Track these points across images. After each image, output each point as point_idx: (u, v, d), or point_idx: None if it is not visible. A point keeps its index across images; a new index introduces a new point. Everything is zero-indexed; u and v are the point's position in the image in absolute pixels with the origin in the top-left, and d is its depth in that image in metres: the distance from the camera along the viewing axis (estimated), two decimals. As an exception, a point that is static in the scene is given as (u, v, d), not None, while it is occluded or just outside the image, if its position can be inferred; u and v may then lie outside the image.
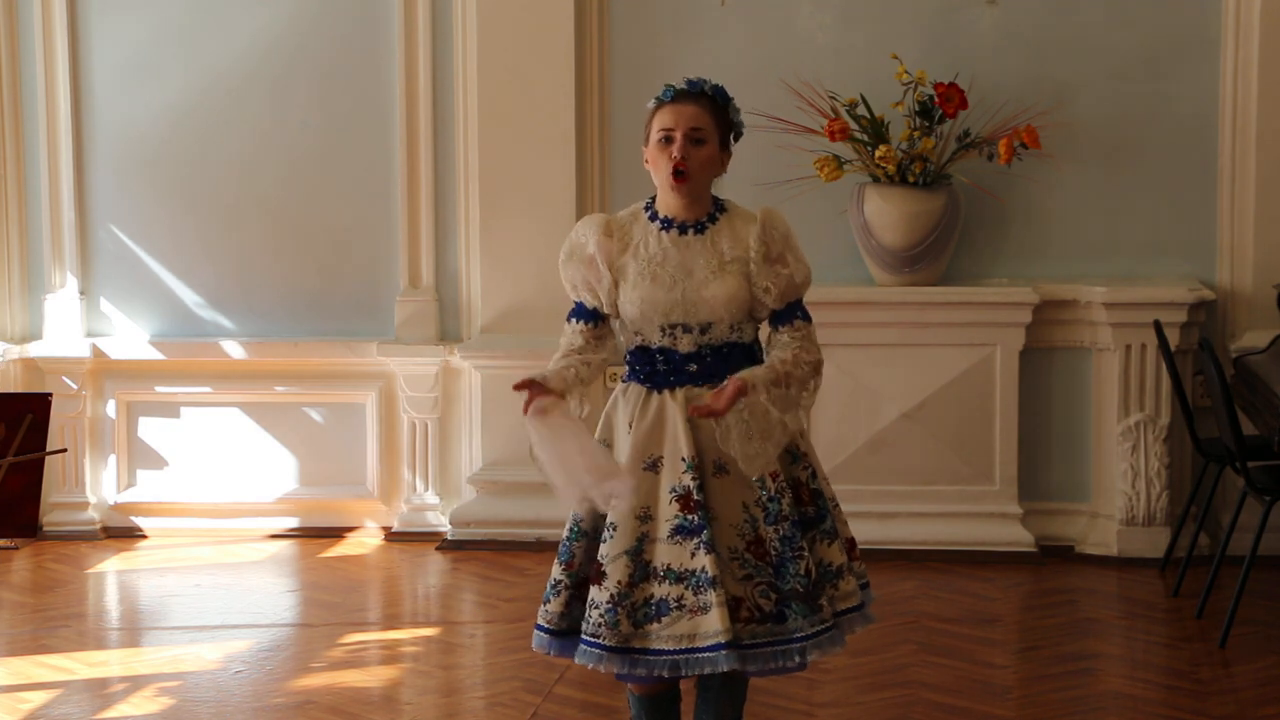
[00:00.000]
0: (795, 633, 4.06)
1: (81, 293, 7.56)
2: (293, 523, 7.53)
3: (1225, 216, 6.99)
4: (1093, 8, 7.05)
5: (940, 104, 6.83)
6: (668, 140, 4.12)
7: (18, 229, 7.56)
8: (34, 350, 7.50)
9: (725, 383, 4.01)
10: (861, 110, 6.92)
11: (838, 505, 4.29)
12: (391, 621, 6.46)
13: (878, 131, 6.89)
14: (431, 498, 7.41)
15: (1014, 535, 6.95)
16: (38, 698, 5.44)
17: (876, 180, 6.91)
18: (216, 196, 7.50)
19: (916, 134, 6.85)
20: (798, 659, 4.07)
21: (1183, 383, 6.58)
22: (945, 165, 6.92)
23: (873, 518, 6.97)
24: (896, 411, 6.97)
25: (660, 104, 4.16)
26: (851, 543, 4.30)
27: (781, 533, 4.08)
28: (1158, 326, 6.51)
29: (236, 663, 5.80)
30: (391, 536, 7.41)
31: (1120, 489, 6.92)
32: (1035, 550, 6.94)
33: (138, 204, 7.54)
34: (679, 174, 4.09)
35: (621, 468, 4.07)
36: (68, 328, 7.53)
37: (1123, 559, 6.89)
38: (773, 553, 4.08)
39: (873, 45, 7.07)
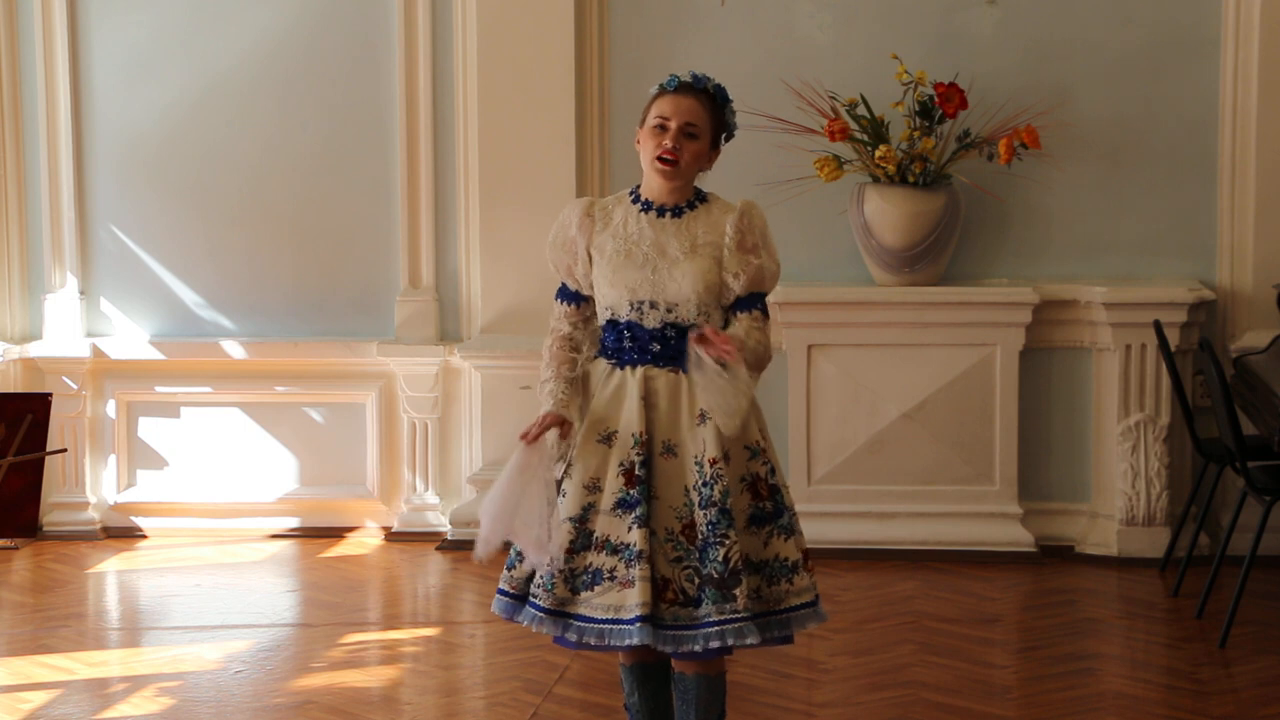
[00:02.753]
0: (704, 619, 4.12)
1: (81, 293, 7.56)
2: (293, 523, 7.53)
3: (1225, 216, 6.99)
4: (1093, 8, 7.05)
5: (940, 104, 6.83)
6: (662, 128, 4.23)
7: (18, 229, 7.56)
8: (34, 350, 7.50)
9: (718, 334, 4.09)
10: (861, 110, 6.92)
11: (794, 515, 4.30)
12: (391, 621, 6.46)
13: (878, 131, 6.89)
14: (431, 498, 7.42)
15: (1014, 535, 6.95)
16: (38, 698, 5.44)
17: (876, 180, 6.91)
18: (216, 196, 7.50)
19: (916, 134, 6.85)
20: (702, 644, 4.11)
21: (1183, 383, 6.58)
22: (945, 165, 6.92)
23: (873, 518, 6.98)
24: (896, 411, 6.97)
25: (663, 91, 4.27)
26: (806, 554, 4.29)
27: (709, 518, 4.14)
28: (1158, 326, 6.51)
29: (236, 663, 5.80)
30: (391, 536, 7.41)
31: (1120, 489, 6.92)
32: (1035, 550, 6.94)
33: (138, 204, 7.54)
34: (666, 161, 4.20)
35: (547, 541, 4.17)
36: (68, 328, 7.53)
37: (1123, 559, 6.89)
38: (699, 537, 4.15)
39: (873, 45, 7.07)
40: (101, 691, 5.56)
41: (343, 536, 7.45)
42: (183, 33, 7.45)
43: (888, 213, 6.87)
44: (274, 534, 7.50)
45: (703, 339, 4.08)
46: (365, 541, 7.40)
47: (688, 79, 4.26)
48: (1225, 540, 6.16)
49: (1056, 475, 7.10)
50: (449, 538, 7.27)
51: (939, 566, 6.84)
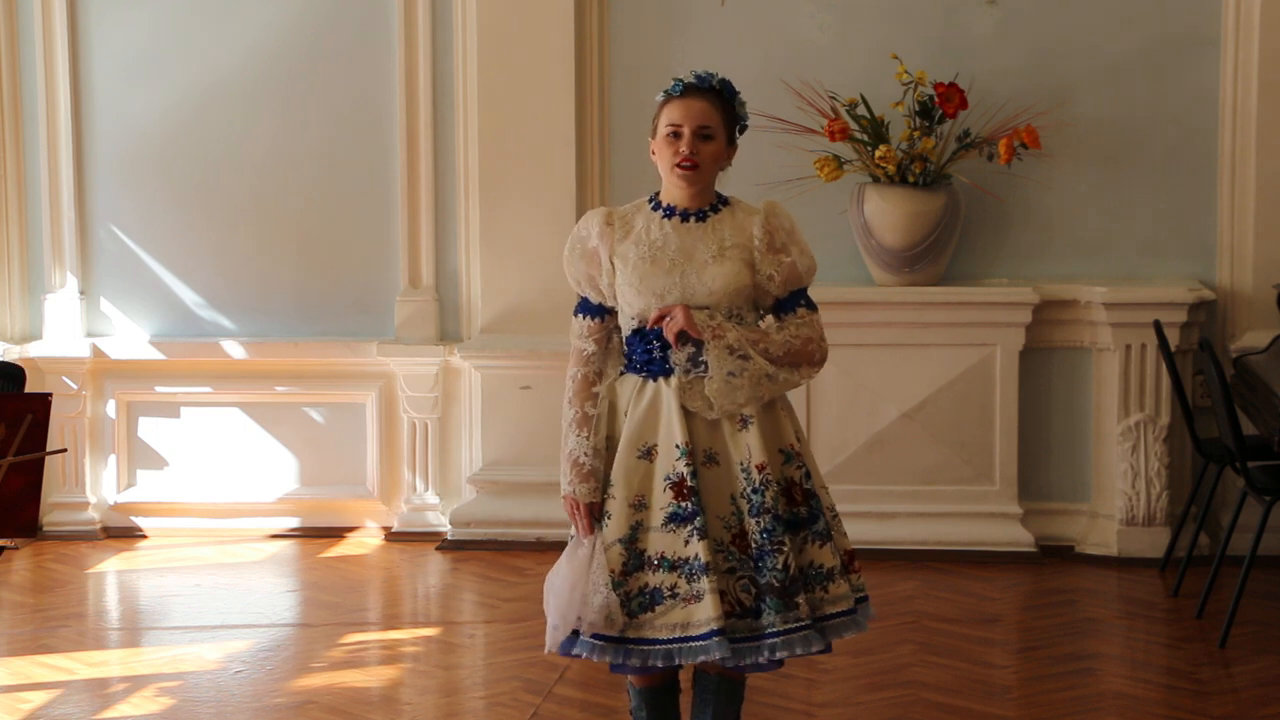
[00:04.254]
0: (768, 629, 4.06)
1: (81, 293, 7.56)
2: (293, 523, 7.53)
3: (1225, 216, 6.99)
4: (1093, 8, 7.05)
5: (940, 104, 6.83)
6: (676, 135, 4.17)
7: (18, 229, 7.56)
8: (34, 350, 7.49)
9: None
10: (861, 110, 6.92)
11: (836, 516, 4.28)
12: (391, 621, 6.46)
13: (878, 131, 6.89)
14: (431, 498, 7.42)
15: (1014, 535, 6.95)
16: (38, 698, 5.44)
17: (876, 180, 6.91)
18: (216, 196, 7.50)
19: (916, 134, 6.85)
20: (767, 655, 4.07)
21: (1183, 383, 6.58)
22: (945, 165, 6.92)
23: (873, 518, 6.98)
24: (896, 411, 6.97)
25: (669, 98, 4.21)
26: (851, 555, 4.28)
27: (762, 525, 4.08)
28: (1158, 326, 6.51)
29: (236, 663, 5.80)
30: (391, 536, 7.41)
31: (1120, 489, 6.92)
32: (1035, 550, 6.94)
33: (138, 204, 7.54)
34: (686, 167, 4.15)
35: (615, 605, 4.11)
36: (68, 328, 7.53)
37: (1123, 559, 6.89)
38: (753, 545, 4.09)
39: (873, 45, 7.07)
40: (101, 691, 5.56)
41: (343, 536, 7.45)
42: (182, 33, 7.45)
43: (888, 213, 6.87)
44: (274, 534, 7.50)
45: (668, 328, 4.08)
46: (365, 541, 7.40)
47: (693, 80, 4.19)
48: (1225, 540, 6.16)
49: (1056, 475, 7.10)
50: (449, 538, 7.27)
51: (939, 566, 6.84)
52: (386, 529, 7.47)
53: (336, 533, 7.47)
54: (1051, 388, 7.06)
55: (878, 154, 6.82)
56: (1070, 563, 6.92)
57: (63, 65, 7.45)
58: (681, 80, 4.20)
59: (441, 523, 7.38)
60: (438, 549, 7.21)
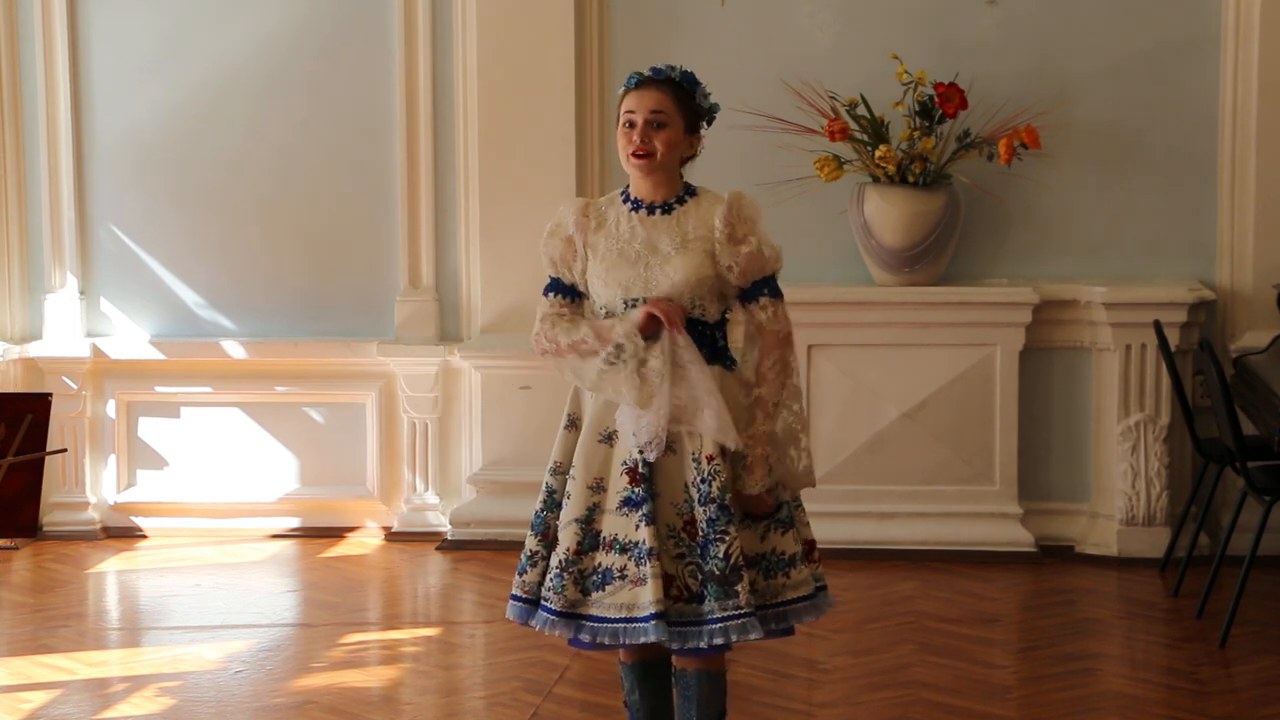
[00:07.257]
0: (708, 615, 4.14)
1: (81, 293, 7.56)
2: (293, 523, 7.53)
3: (1225, 216, 6.99)
4: (1093, 8, 7.05)
5: (940, 104, 6.84)
6: (631, 125, 4.25)
7: (18, 229, 7.56)
8: (34, 350, 7.50)
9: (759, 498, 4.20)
10: (861, 110, 6.92)
11: (800, 507, 4.35)
12: (391, 621, 6.46)
13: (878, 131, 6.90)
14: (431, 498, 7.42)
15: (1014, 535, 6.96)
16: (38, 698, 5.44)
17: (876, 180, 6.91)
18: (217, 196, 7.51)
19: (916, 134, 6.85)
20: (706, 640, 4.14)
21: (1183, 383, 6.58)
22: (945, 165, 6.92)
23: (873, 518, 6.98)
24: (896, 411, 6.97)
25: (626, 90, 4.30)
26: (811, 544, 4.35)
27: (708, 514, 4.15)
28: (1158, 326, 6.51)
29: (236, 663, 5.80)
30: (392, 536, 7.41)
31: (1120, 489, 6.92)
32: (1035, 550, 6.94)
33: (138, 204, 7.54)
34: (639, 156, 4.23)
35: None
36: (68, 328, 7.53)
37: (1123, 559, 6.89)
38: (700, 534, 4.16)
39: (873, 45, 7.07)
40: (101, 691, 5.56)
41: (343, 536, 7.45)
42: (182, 33, 7.46)
43: (888, 213, 6.87)
44: (274, 534, 7.50)
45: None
46: (365, 541, 7.40)
47: (648, 73, 4.27)
48: (1225, 540, 6.16)
49: (1056, 475, 7.10)
50: (449, 538, 7.27)
51: (939, 566, 6.84)
52: (386, 529, 7.47)
53: (336, 533, 7.48)
54: (1051, 388, 7.06)
55: (878, 154, 6.82)
56: (1070, 563, 6.92)
57: (63, 65, 7.45)
58: (639, 73, 4.29)
59: (441, 523, 7.38)
60: (438, 549, 7.22)
